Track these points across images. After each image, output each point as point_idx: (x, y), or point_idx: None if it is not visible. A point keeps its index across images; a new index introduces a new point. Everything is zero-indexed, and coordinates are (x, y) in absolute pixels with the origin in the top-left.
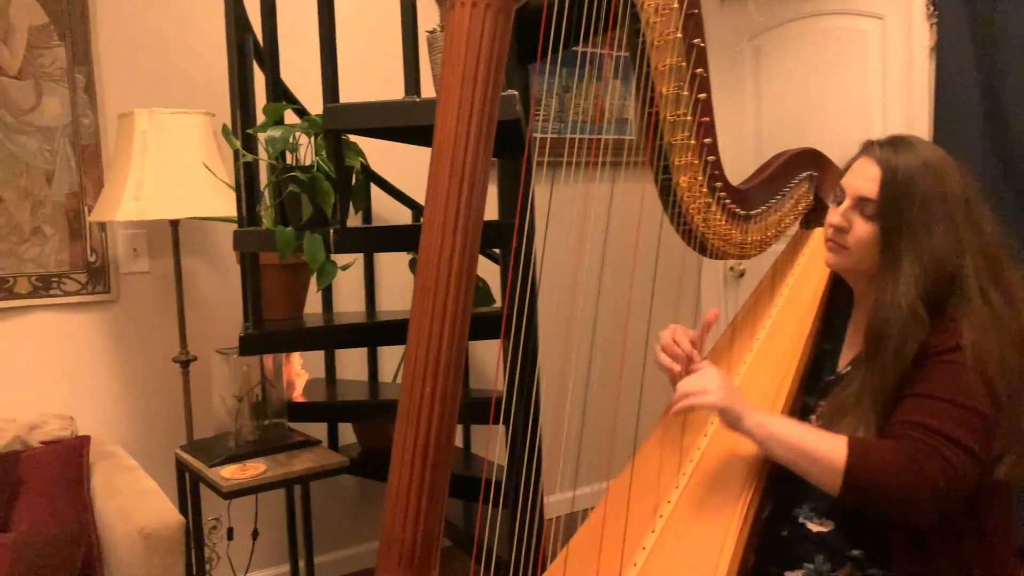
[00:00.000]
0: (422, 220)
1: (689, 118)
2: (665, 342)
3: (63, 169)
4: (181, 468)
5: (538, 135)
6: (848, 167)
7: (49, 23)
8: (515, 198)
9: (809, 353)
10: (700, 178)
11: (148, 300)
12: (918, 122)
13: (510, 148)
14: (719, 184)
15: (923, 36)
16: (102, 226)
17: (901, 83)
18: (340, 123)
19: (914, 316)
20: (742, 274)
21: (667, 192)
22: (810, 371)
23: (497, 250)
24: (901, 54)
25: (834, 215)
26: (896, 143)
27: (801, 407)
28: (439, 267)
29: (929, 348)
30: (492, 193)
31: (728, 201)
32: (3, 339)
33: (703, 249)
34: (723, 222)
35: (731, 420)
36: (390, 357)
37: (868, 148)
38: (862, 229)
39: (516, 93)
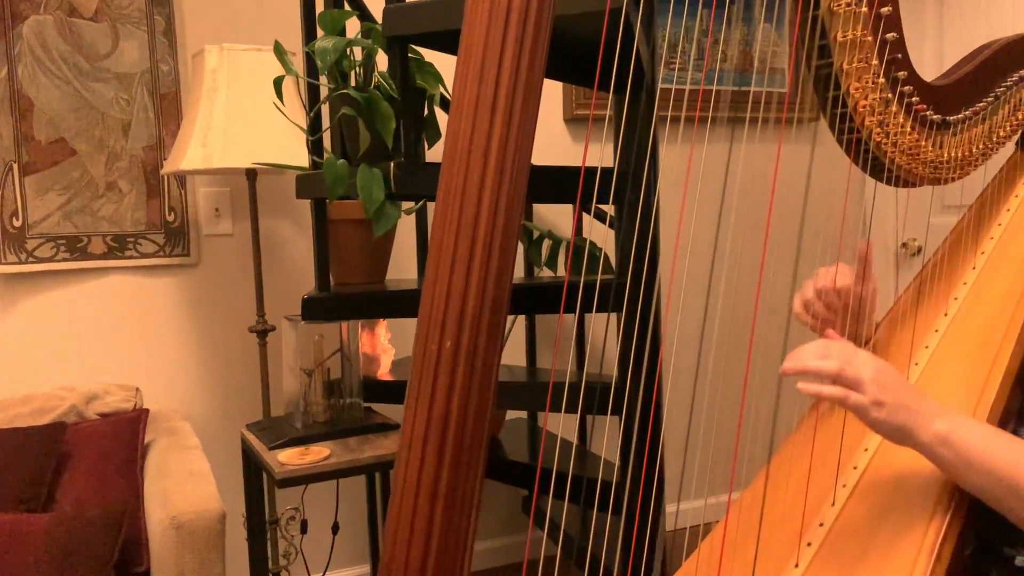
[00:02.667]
0: (449, 110)
1: None
2: (820, 288)
3: (140, 120)
4: (246, 449)
5: (672, 86)
6: None
7: None
8: (635, 144)
9: None
10: (875, 62)
11: (231, 265)
12: None
13: (630, 83)
14: (902, 74)
15: None
16: (181, 183)
17: None
18: (402, 27)
19: None
20: (918, 251)
21: (825, 84)
22: None
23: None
24: None
25: None
26: None
27: (1019, 409)
28: (469, 161)
29: None
30: (604, 152)
31: (916, 100)
32: (75, 302)
33: (878, 169)
34: (909, 129)
35: (896, 433)
36: None
37: None
38: None
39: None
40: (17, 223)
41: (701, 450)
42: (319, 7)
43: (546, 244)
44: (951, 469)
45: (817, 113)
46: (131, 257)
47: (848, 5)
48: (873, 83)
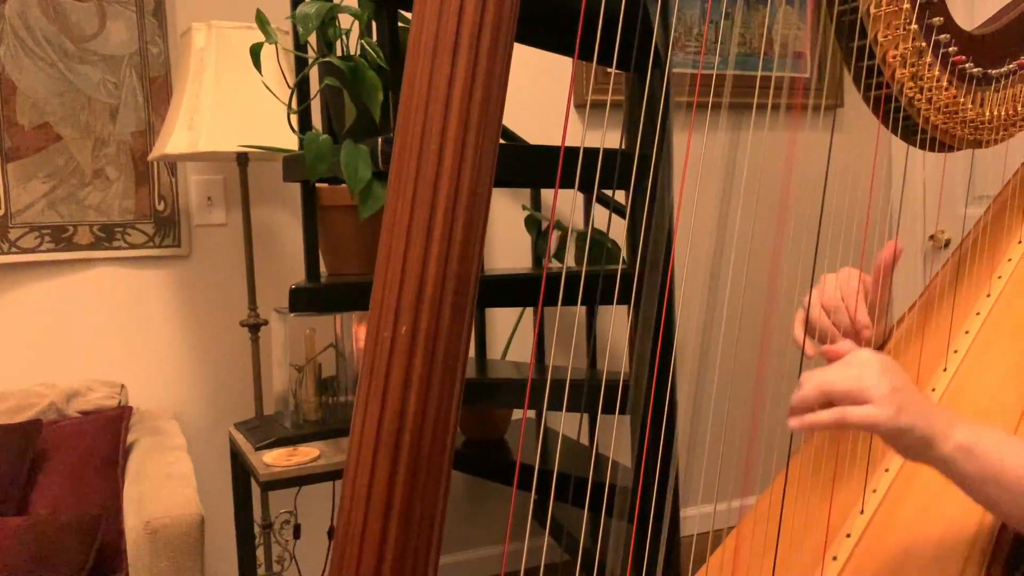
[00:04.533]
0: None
1: None
2: (828, 299)
3: (129, 104)
4: (234, 450)
5: (688, 71)
6: None
7: None
8: (646, 124)
9: None
10: (906, 5)
11: (223, 257)
12: None
13: (641, 60)
14: (938, 20)
15: None
16: (172, 170)
17: None
18: None
19: None
20: (946, 244)
21: (850, 33)
22: None
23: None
24: None
25: None
26: None
27: None
28: (427, 112)
29: None
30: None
31: (954, 50)
32: (60, 295)
33: (910, 130)
34: (945, 84)
35: (915, 446)
36: (501, 327)
37: None
38: None
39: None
40: (0, 212)
41: (710, 451)
42: None
43: (554, 235)
44: (971, 485)
45: (839, 99)
46: (119, 248)
47: None
48: (905, 30)
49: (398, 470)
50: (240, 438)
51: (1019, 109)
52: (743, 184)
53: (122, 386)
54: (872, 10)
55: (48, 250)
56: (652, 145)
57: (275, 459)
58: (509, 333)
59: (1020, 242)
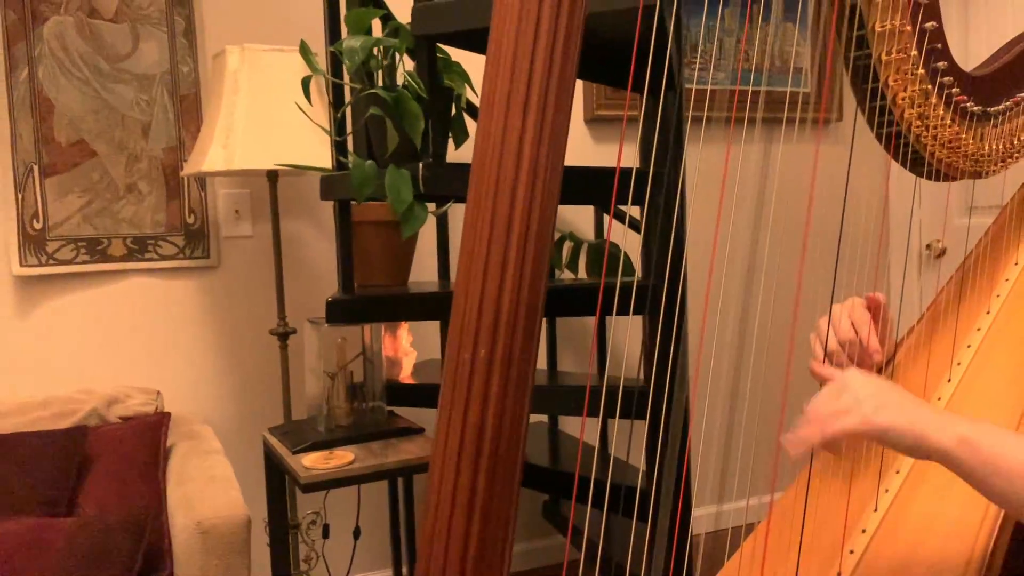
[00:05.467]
0: (480, 98)
1: None
2: (843, 333)
3: (160, 121)
4: (268, 454)
5: (694, 86)
6: None
7: None
8: (661, 143)
9: None
10: (914, 53)
11: (251, 267)
12: None
13: (656, 82)
14: (942, 64)
15: None
16: (201, 185)
17: None
18: (431, 25)
19: None
20: (942, 253)
21: (863, 77)
22: None
23: (635, 214)
24: None
25: None
26: None
27: None
28: (501, 164)
29: None
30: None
31: (956, 91)
32: (95, 305)
33: (918, 163)
34: (949, 121)
35: (907, 443)
36: None
37: None
38: None
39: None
40: (38, 225)
41: (718, 454)
42: (343, 7)
43: (567, 246)
44: (972, 475)
45: (839, 113)
46: (151, 259)
47: None
48: (913, 74)
49: (479, 475)
50: (275, 442)
51: (1015, 143)
52: (748, 195)
53: (158, 392)
54: (884, 57)
55: (83, 262)
56: (666, 163)
57: (313, 462)
58: None
59: (1016, 264)
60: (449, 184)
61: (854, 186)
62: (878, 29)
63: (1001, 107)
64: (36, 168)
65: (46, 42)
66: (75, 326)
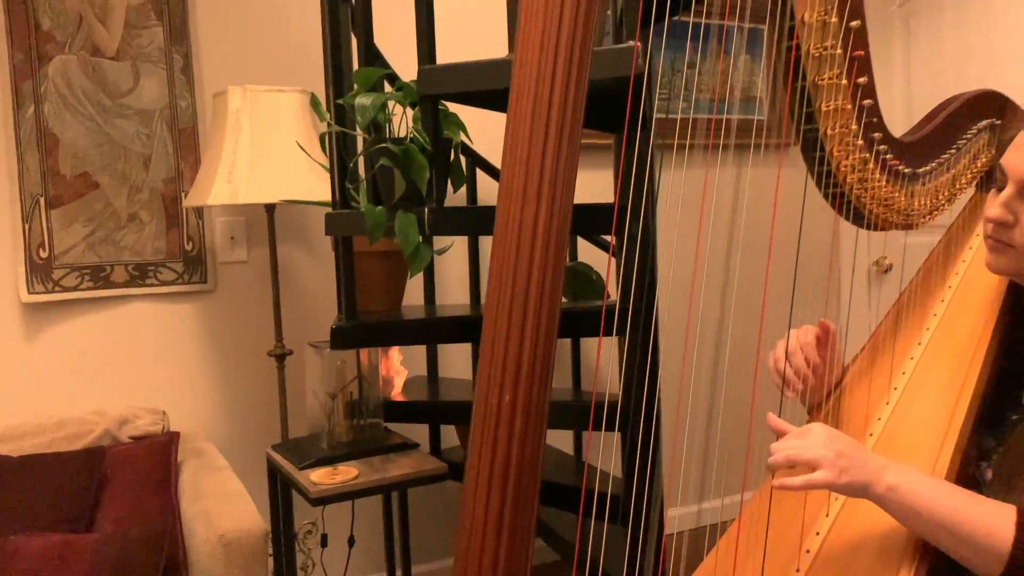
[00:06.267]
0: (500, 180)
1: (839, 51)
2: (787, 352)
3: (160, 153)
4: (272, 469)
5: (661, 115)
6: (1008, 142)
7: (147, 2)
8: (633, 173)
9: (990, 368)
10: (854, 126)
11: (246, 291)
12: None
13: (629, 122)
14: (878, 135)
15: None
16: (199, 213)
17: None
18: (435, 86)
19: None
20: (888, 269)
21: (812, 147)
22: (991, 397)
23: (610, 239)
24: None
25: (994, 206)
26: None
27: (977, 450)
28: (519, 241)
29: None
30: (608, 174)
31: (890, 156)
32: (99, 329)
33: (859, 218)
34: (884, 183)
35: (857, 492)
36: None
37: None
38: None
39: (639, 45)
40: (44, 254)
41: (685, 461)
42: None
43: None
44: (902, 517)
45: (791, 139)
46: (151, 285)
47: (831, 78)
48: (853, 144)
49: (505, 502)
50: (280, 458)
51: (940, 198)
52: (712, 216)
53: (164, 412)
54: (828, 131)
55: (88, 288)
56: (640, 195)
57: (321, 477)
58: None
59: (943, 300)
60: (450, 225)
61: (809, 207)
62: (824, 109)
63: (928, 168)
64: (43, 200)
65: (51, 80)
66: (80, 350)
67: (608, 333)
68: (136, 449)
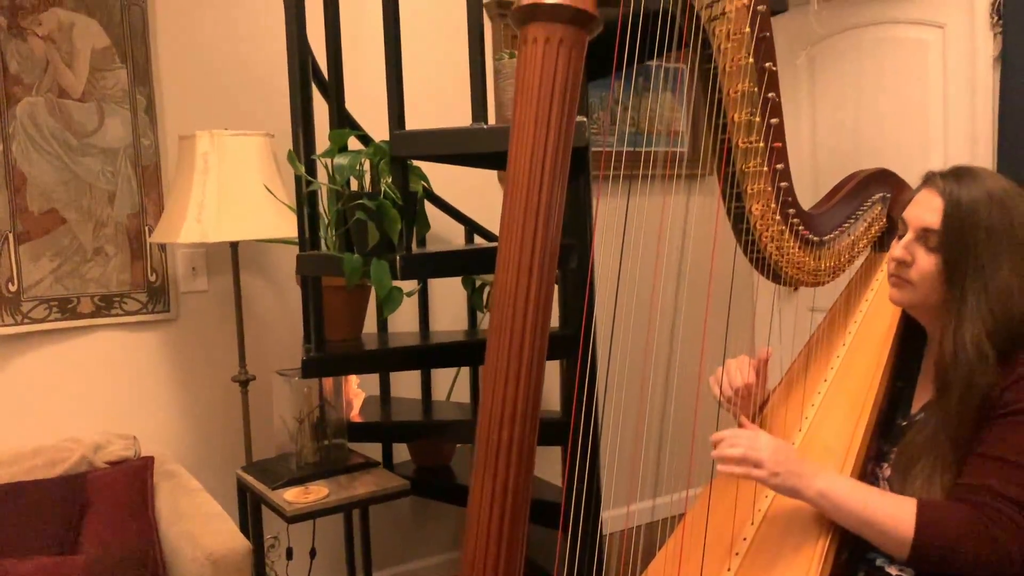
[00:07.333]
0: (497, 258)
1: (761, 144)
2: (728, 371)
3: (124, 190)
4: (242, 489)
5: (596, 149)
6: (909, 199)
7: (111, 45)
8: (574, 217)
9: (885, 391)
10: (773, 205)
11: (206, 319)
12: (982, 135)
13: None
14: (792, 211)
15: (987, 45)
16: (162, 246)
17: (963, 94)
18: (407, 150)
19: (980, 354)
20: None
21: (740, 220)
22: (885, 411)
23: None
24: (963, 64)
25: (896, 248)
26: (959, 173)
27: (876, 452)
28: (514, 306)
29: (1001, 403)
30: None
31: (801, 227)
32: (67, 358)
33: (776, 277)
34: (796, 249)
35: (789, 493)
36: (443, 374)
37: (930, 179)
38: (926, 262)
39: (585, 120)
40: (13, 288)
41: (618, 466)
42: (317, 117)
43: (487, 291)
44: (830, 514)
45: (709, 169)
46: (116, 315)
47: (755, 167)
48: (772, 219)
49: (504, 518)
50: (251, 479)
51: (842, 260)
52: (642, 242)
53: (134, 437)
54: (753, 209)
55: (56, 319)
56: (579, 233)
57: (295, 497)
58: (451, 379)
59: (844, 345)
60: (419, 269)
61: (725, 232)
62: (750, 191)
63: (832, 235)
64: (11, 236)
65: (19, 120)
66: (50, 379)
67: (553, 357)
68: (114, 474)
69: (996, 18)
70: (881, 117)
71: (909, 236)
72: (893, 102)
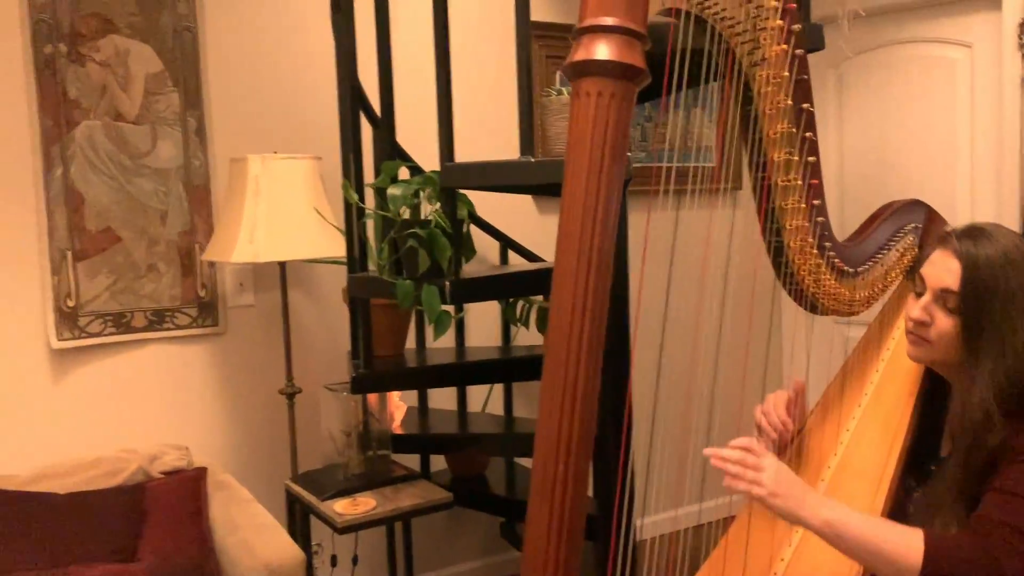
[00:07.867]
0: (549, 301)
1: (800, 182)
2: (765, 408)
3: (176, 209)
4: (291, 500)
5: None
6: (926, 257)
7: (164, 70)
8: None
9: (915, 423)
10: (811, 240)
11: (253, 332)
12: (1008, 156)
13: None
14: (828, 244)
15: (1014, 66)
16: (211, 262)
17: (990, 115)
18: (457, 182)
19: (987, 419)
20: None
21: (779, 254)
22: (914, 444)
23: None
24: (990, 83)
25: (915, 308)
26: (974, 234)
27: (905, 485)
28: (568, 348)
29: (1013, 449)
30: None
31: (837, 260)
32: (121, 371)
33: (814, 308)
34: (832, 281)
35: (789, 516)
36: (478, 387)
37: (946, 240)
38: (945, 323)
39: (629, 156)
40: (71, 303)
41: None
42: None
43: (520, 305)
44: (835, 544)
45: (738, 183)
46: (168, 329)
47: (794, 203)
48: (810, 253)
49: (563, 532)
50: (300, 490)
51: (875, 290)
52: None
53: (187, 448)
54: (792, 244)
55: (111, 333)
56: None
57: (344, 508)
58: (486, 392)
59: (877, 371)
60: (467, 293)
61: (749, 240)
62: (789, 227)
63: (866, 266)
64: (70, 254)
65: (78, 143)
66: (105, 391)
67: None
68: (170, 484)
69: (1023, 38)
70: (907, 137)
71: (927, 297)
72: (920, 122)
